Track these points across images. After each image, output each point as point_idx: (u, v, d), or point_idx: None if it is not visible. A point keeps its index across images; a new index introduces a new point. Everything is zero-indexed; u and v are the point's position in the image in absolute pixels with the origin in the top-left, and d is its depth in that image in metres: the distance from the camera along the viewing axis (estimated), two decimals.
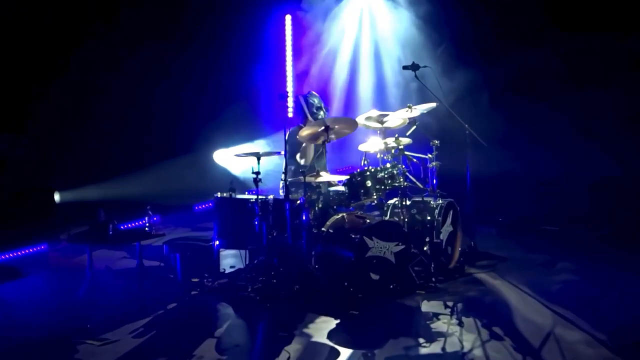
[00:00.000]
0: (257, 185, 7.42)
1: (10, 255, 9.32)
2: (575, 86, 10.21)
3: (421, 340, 6.06)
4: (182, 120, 11.72)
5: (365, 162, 7.92)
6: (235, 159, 10.26)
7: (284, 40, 11.70)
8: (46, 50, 10.45)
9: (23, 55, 10.30)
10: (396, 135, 7.94)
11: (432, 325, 6.41)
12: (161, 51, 11.15)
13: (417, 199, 8.01)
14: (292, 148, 8.19)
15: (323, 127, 7.57)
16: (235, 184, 8.04)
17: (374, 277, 7.13)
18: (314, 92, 8.49)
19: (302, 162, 8.28)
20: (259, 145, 10.98)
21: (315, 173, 7.63)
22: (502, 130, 10.26)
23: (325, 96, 8.73)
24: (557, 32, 10.35)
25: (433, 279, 7.52)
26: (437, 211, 7.87)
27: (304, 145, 8.25)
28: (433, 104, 8.14)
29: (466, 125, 8.47)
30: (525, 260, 8.51)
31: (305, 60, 11.63)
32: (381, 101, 11.32)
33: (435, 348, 5.91)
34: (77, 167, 10.98)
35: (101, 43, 10.74)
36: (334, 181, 8.04)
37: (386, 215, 7.93)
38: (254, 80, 11.67)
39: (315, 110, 8.32)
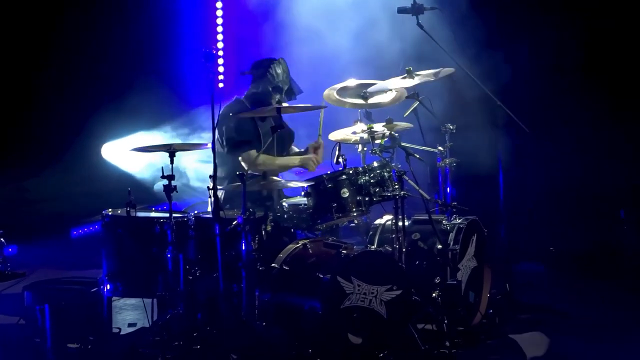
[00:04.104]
0: (169, 197, 7.47)
1: None
2: None
3: None
4: (51, 95, 11.83)
5: (341, 160, 7.95)
6: (136, 155, 10.44)
7: None
8: None
9: None
10: (388, 118, 8.03)
11: None
12: None
13: (421, 217, 8.08)
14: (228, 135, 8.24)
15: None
16: (135, 194, 7.95)
17: (355, 340, 7.19)
18: (282, 60, 8.35)
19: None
20: (173, 133, 11.07)
21: (261, 176, 7.69)
22: (559, 111, 10.46)
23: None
24: None
25: (447, 343, 7.59)
26: (452, 236, 7.99)
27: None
28: (448, 70, 8.24)
29: (498, 102, 8.50)
30: (591, 315, 8.62)
31: None
32: (365, 65, 11.17)
33: None
34: None
35: None
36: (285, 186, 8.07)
37: (373, 244, 8.06)
38: (164, 32, 11.82)
39: (276, 86, 8.24)
